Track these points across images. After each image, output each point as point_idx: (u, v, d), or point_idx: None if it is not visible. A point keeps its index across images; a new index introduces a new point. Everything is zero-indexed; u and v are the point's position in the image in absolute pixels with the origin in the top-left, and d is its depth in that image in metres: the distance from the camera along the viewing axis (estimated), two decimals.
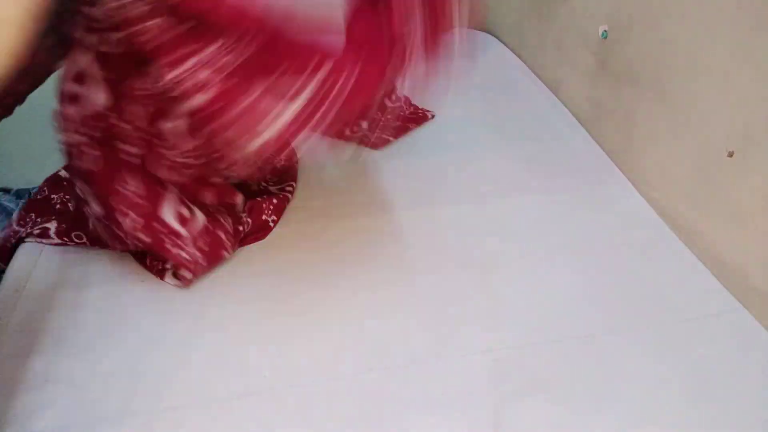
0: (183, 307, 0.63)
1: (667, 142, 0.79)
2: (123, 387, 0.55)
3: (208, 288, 0.66)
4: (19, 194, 1.51)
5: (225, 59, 0.47)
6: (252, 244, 0.72)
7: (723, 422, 0.54)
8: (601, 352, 0.60)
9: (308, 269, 0.69)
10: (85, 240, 0.69)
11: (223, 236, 0.66)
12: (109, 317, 0.62)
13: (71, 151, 0.60)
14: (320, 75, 0.48)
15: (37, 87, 0.56)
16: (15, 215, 0.74)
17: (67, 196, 0.74)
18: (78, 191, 0.64)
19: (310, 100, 0.48)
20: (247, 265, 0.69)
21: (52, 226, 0.70)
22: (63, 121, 0.58)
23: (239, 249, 0.70)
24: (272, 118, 0.48)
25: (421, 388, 0.55)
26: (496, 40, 1.38)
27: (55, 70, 0.56)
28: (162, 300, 0.63)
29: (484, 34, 1.44)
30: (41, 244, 0.70)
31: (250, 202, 0.73)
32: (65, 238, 0.69)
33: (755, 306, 0.65)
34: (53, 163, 0.97)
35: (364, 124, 0.84)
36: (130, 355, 0.58)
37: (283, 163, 0.78)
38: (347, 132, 0.83)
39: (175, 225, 0.62)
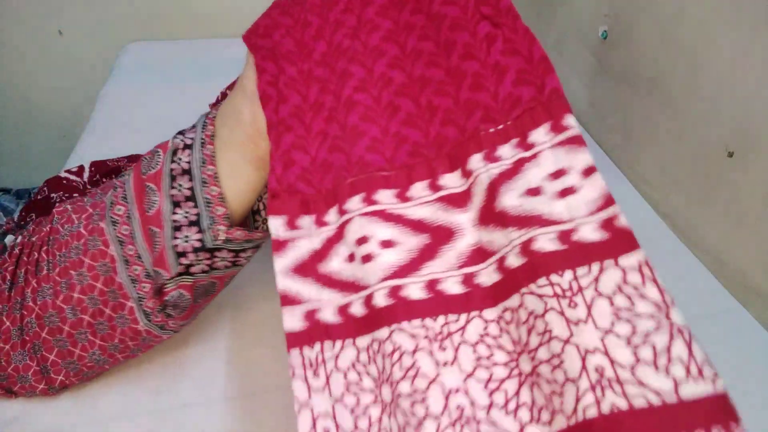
0: None
1: (667, 142, 0.79)
2: (123, 386, 0.55)
3: None
4: (19, 194, 1.51)
5: None
6: None
7: None
8: None
9: None
10: None
11: None
12: None
13: None
14: None
15: None
16: (15, 216, 0.74)
17: (66, 195, 0.74)
18: None
19: None
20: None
21: None
22: None
23: None
24: None
25: None
26: None
27: None
28: None
29: None
30: None
31: None
32: None
33: (755, 306, 0.65)
34: (53, 163, 0.97)
35: None
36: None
37: None
38: None
39: None
